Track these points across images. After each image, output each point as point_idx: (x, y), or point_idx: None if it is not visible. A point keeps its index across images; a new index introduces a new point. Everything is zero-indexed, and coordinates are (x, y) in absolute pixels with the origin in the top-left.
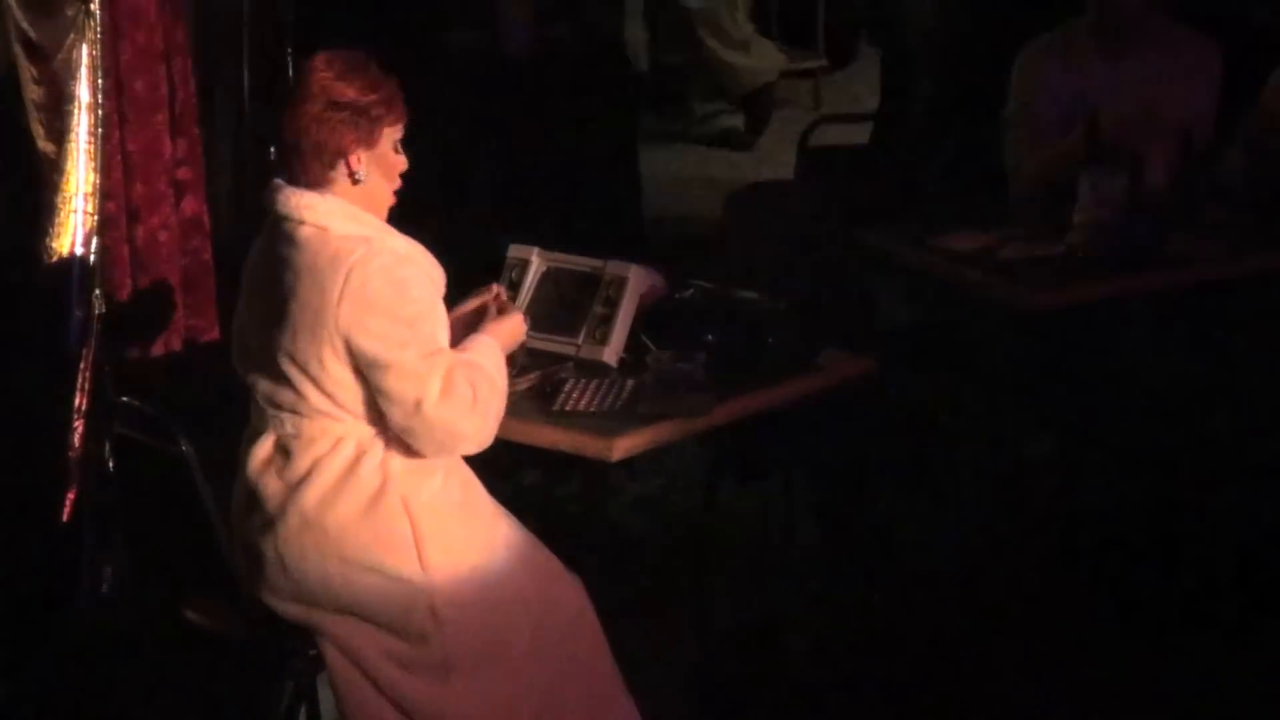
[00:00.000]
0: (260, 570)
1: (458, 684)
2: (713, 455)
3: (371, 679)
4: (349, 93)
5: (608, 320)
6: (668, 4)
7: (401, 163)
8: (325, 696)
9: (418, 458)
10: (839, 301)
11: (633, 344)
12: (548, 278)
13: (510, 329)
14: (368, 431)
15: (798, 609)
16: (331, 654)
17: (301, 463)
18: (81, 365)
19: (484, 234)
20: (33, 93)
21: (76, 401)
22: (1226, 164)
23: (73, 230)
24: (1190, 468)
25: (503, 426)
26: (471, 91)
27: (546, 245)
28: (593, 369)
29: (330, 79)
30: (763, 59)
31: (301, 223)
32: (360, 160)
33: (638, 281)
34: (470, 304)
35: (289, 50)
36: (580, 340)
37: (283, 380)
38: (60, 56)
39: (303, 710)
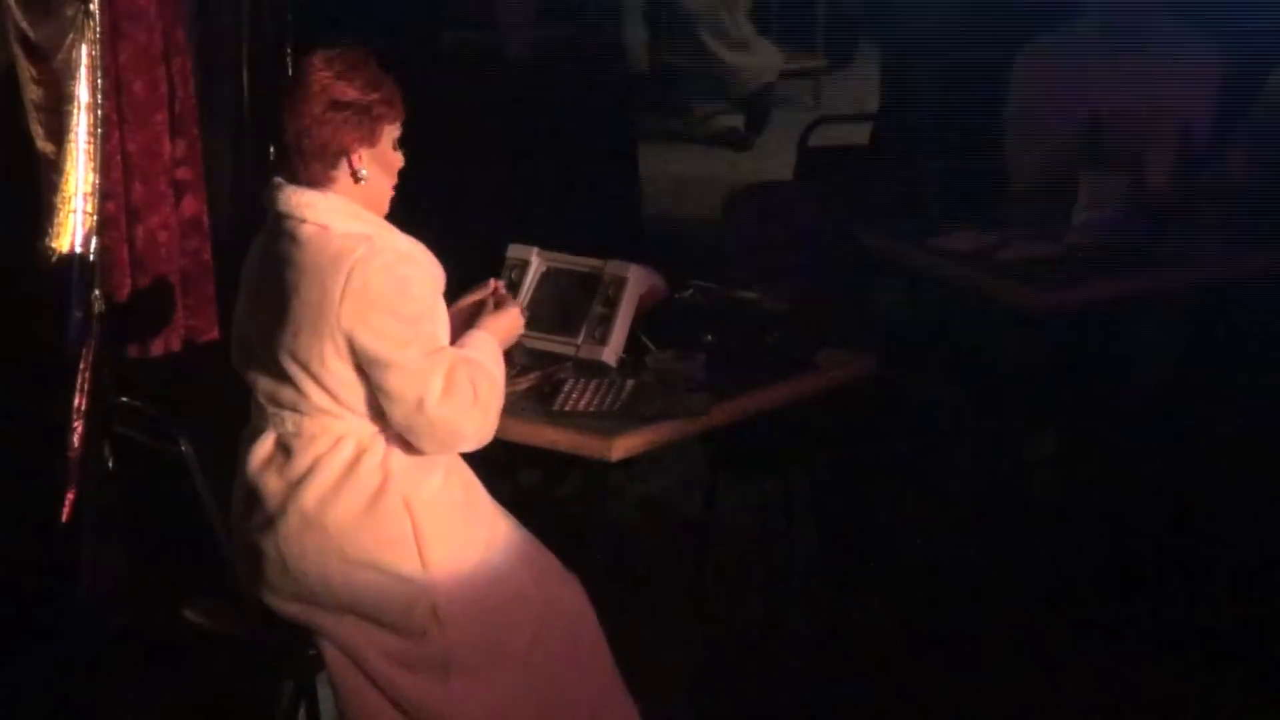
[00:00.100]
0: (260, 569)
1: (457, 683)
2: (712, 455)
3: (371, 678)
4: (350, 92)
5: (607, 320)
6: (667, 4)
7: (400, 160)
8: (325, 696)
9: (418, 456)
10: (839, 301)
11: (632, 344)
12: (547, 278)
13: (507, 324)
14: (368, 430)
15: (797, 609)
16: (331, 653)
17: (302, 461)
18: (81, 365)
19: (484, 234)
20: (32, 93)
21: (76, 401)
22: (1226, 164)
23: (72, 230)
24: (1190, 468)
25: (502, 426)
26: (471, 92)
27: (546, 245)
28: (592, 369)
29: (331, 78)
30: (762, 59)
31: (303, 221)
32: (362, 159)
33: (637, 281)
34: (468, 299)
35: (289, 50)
36: (580, 340)
37: (284, 378)
38: (60, 57)
39: (302, 710)
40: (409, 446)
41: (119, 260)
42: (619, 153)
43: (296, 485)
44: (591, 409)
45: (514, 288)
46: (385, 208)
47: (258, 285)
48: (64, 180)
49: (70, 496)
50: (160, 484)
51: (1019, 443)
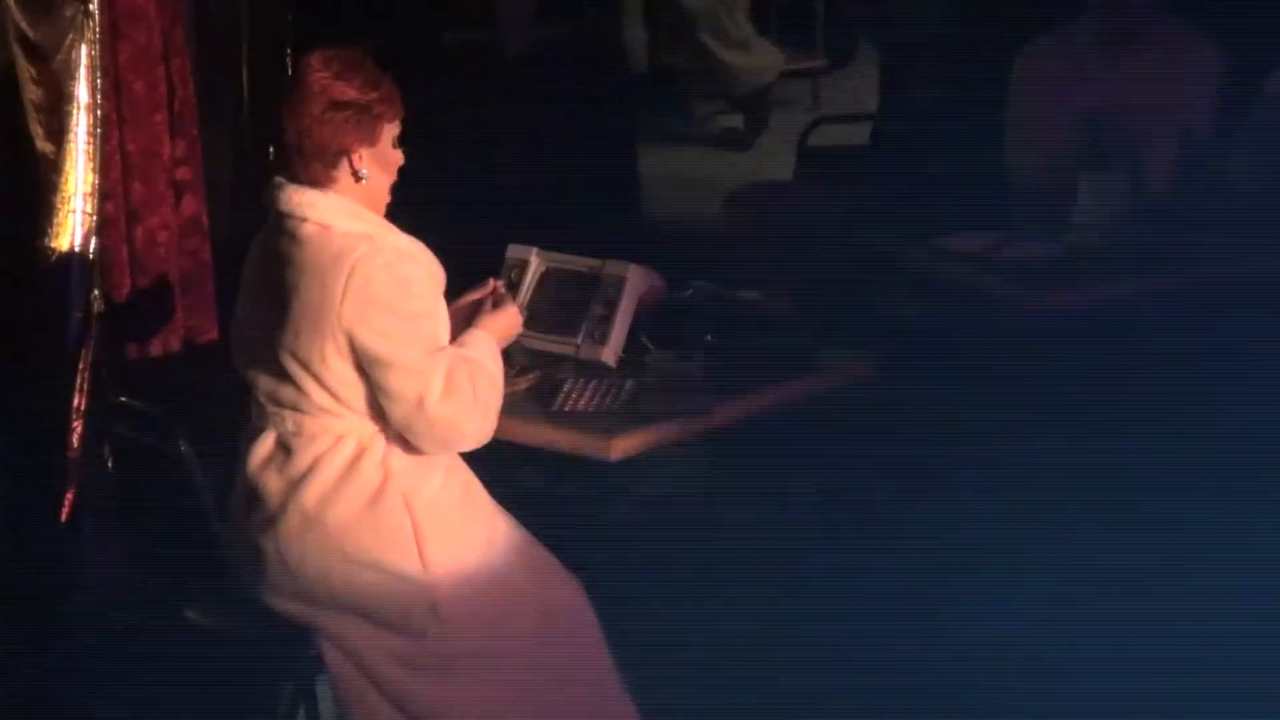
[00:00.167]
0: (260, 568)
1: (457, 683)
2: (712, 455)
3: (371, 678)
4: (349, 92)
5: (607, 320)
6: (667, 4)
7: (400, 157)
8: (325, 696)
9: (419, 455)
10: (839, 301)
11: (632, 344)
12: (546, 278)
13: (505, 323)
14: (369, 429)
15: (796, 609)
16: (331, 653)
17: (302, 460)
18: (80, 365)
19: (484, 234)
20: (32, 93)
21: (75, 401)
22: (1225, 165)
23: (71, 230)
24: (1190, 468)
25: (502, 426)
26: (470, 91)
27: (545, 245)
28: (592, 369)
29: (329, 79)
30: (762, 59)
31: (304, 220)
32: (362, 158)
33: (636, 281)
34: (467, 298)
35: (288, 50)
36: (579, 340)
37: (284, 377)
38: (59, 57)
39: (302, 710)
40: (409, 446)
41: (118, 260)
42: (618, 153)
43: (297, 484)
44: (591, 409)
45: (513, 288)
46: (384, 205)
47: (258, 284)
48: (63, 180)
49: (70, 496)
50: (160, 484)
51: (1019, 442)
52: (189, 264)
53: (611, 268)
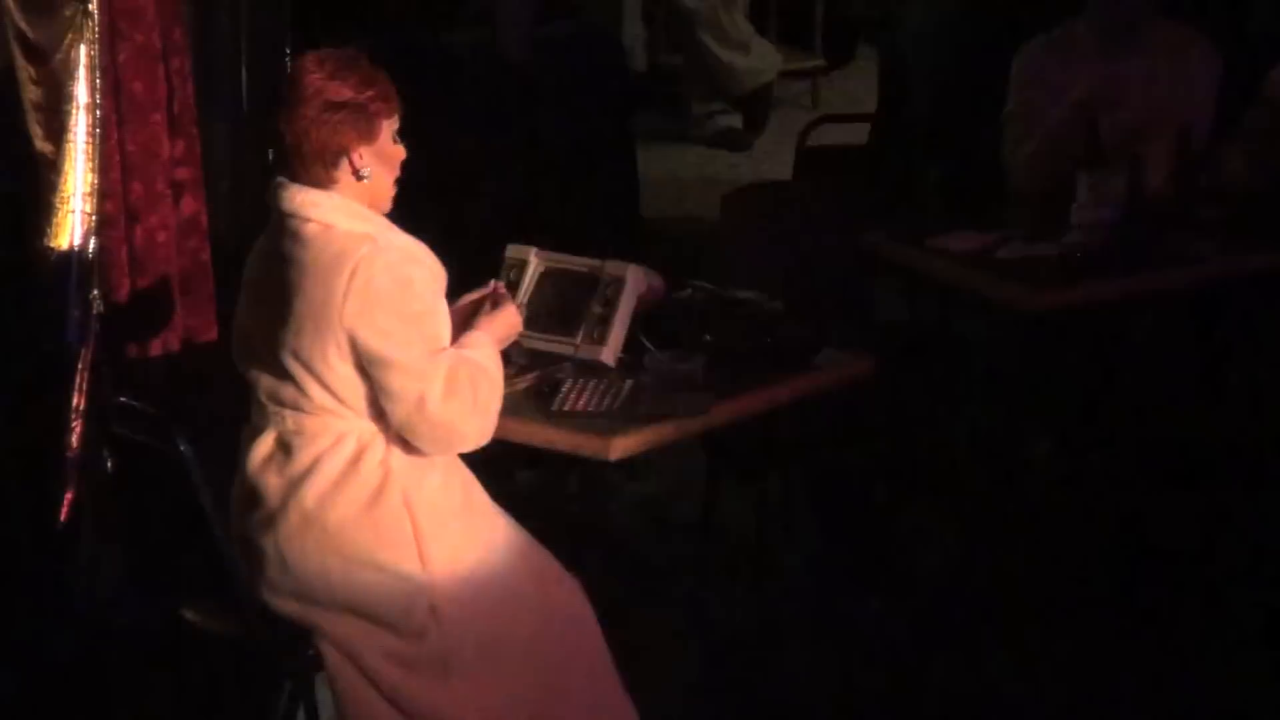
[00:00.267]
0: (260, 568)
1: (456, 683)
2: (711, 456)
3: (370, 678)
4: (345, 92)
5: (606, 320)
6: (666, 4)
7: (401, 152)
8: (324, 695)
9: (419, 455)
10: (838, 301)
11: (631, 344)
12: (546, 278)
13: (504, 324)
14: (369, 428)
15: (795, 609)
16: (330, 653)
17: (302, 459)
18: (79, 365)
19: (483, 234)
20: (31, 93)
21: (74, 402)
22: (1225, 164)
23: (71, 230)
24: (1191, 468)
25: (501, 426)
26: (470, 91)
27: (544, 245)
28: (591, 369)
29: (324, 80)
30: (761, 59)
31: (306, 220)
32: (362, 157)
33: (636, 281)
34: (468, 298)
35: (287, 50)
36: (578, 340)
37: (285, 376)
38: (58, 57)
39: (301, 710)
40: (409, 446)
41: (118, 260)
42: (617, 152)
43: (297, 483)
44: (590, 409)
45: (513, 288)
46: (389, 201)
47: (261, 284)
48: (63, 180)
49: (69, 497)
50: (159, 484)
51: (1019, 443)
52: (188, 264)
53: (611, 268)
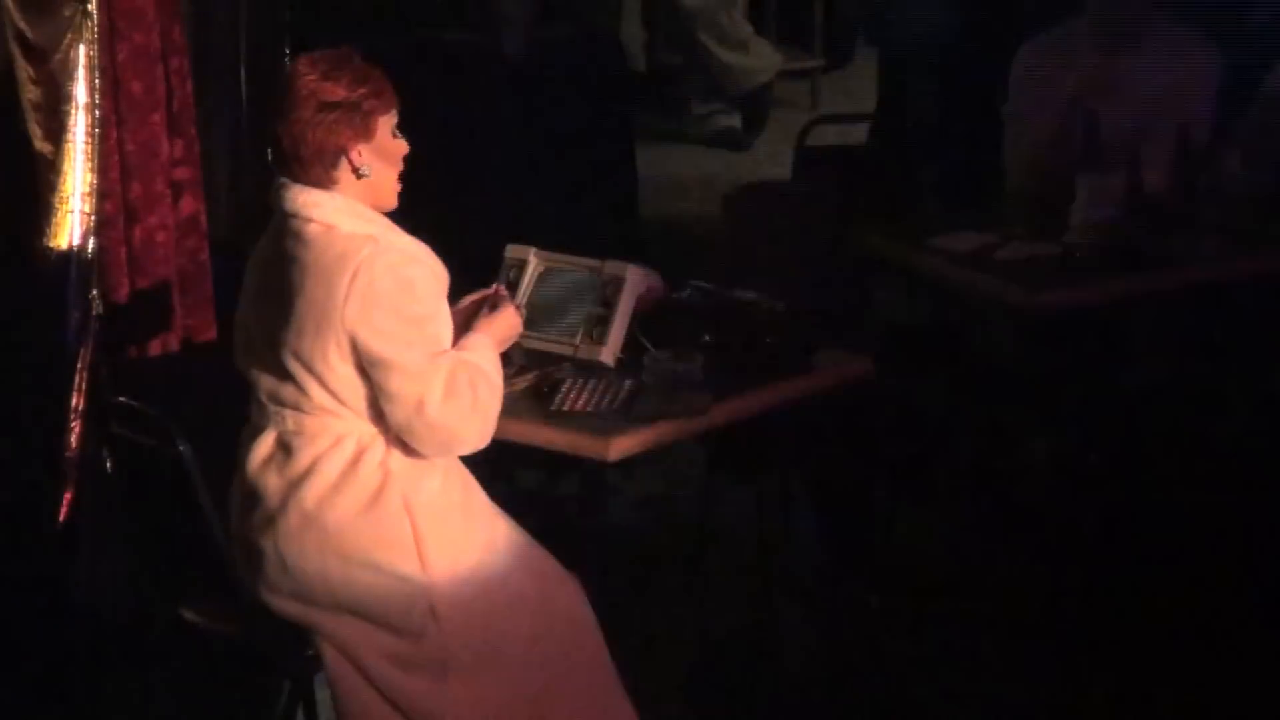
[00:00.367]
0: (259, 568)
1: (455, 683)
2: (710, 455)
3: (369, 678)
4: (338, 91)
5: (605, 320)
6: (665, 4)
7: (402, 146)
8: (323, 695)
9: (418, 457)
10: (837, 301)
11: (630, 344)
12: (545, 278)
13: (504, 326)
14: (369, 429)
15: (795, 609)
16: (329, 653)
17: (302, 460)
18: (79, 365)
19: (482, 234)
20: (30, 93)
21: (73, 402)
22: (1224, 164)
23: (70, 230)
24: (1190, 468)
25: (500, 426)
26: (469, 92)
27: (544, 245)
28: (590, 369)
29: (316, 81)
30: (760, 59)
31: (309, 220)
32: (361, 155)
33: (635, 281)
34: (469, 300)
35: (286, 50)
36: (578, 340)
37: (286, 377)
38: (57, 57)
39: (300, 709)
40: (409, 447)
41: (117, 260)
42: (617, 152)
43: (296, 484)
44: (589, 409)
45: (512, 287)
46: (393, 197)
47: (262, 283)
48: (62, 180)
49: (68, 497)
50: (158, 484)
51: (1018, 443)
52: (187, 264)
53: (610, 268)
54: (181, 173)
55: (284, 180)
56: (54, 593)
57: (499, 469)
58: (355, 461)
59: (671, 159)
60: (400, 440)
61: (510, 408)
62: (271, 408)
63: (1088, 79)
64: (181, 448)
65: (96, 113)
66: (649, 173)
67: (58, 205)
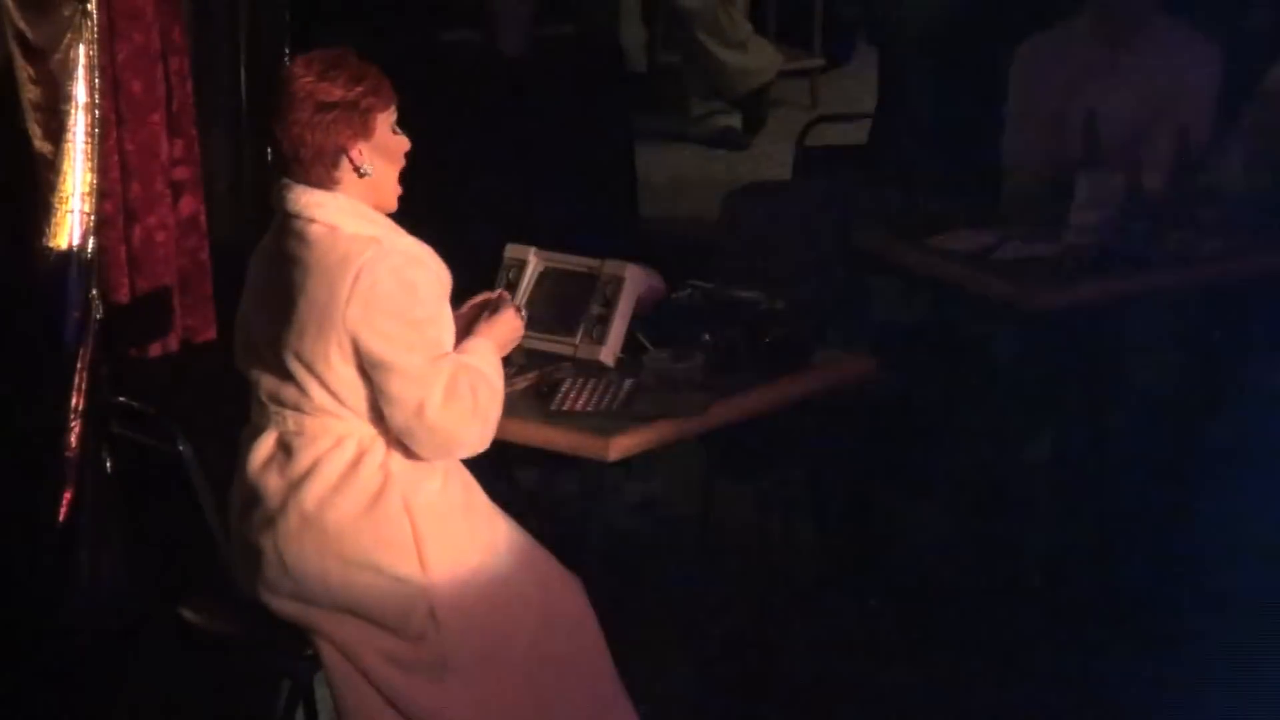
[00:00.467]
0: (259, 568)
1: (455, 685)
2: (711, 455)
3: (368, 679)
4: (335, 91)
5: (605, 320)
6: (665, 3)
7: (403, 143)
8: (323, 696)
9: (419, 459)
10: (837, 301)
11: (630, 344)
12: (545, 277)
13: (506, 330)
14: (370, 431)
15: (795, 610)
16: (329, 653)
17: (303, 460)
18: (78, 366)
19: (482, 234)
20: (29, 93)
21: (73, 402)
22: (1224, 164)
23: (69, 230)
24: (1189, 468)
25: (500, 426)
26: (468, 91)
27: (544, 245)
28: (590, 369)
29: (313, 82)
30: (760, 58)
31: (312, 221)
32: (362, 153)
33: (635, 281)
34: (472, 302)
35: (286, 49)
36: (578, 340)
37: (287, 377)
38: (57, 56)
39: (300, 710)
40: (409, 450)
41: (116, 260)
42: (616, 152)
43: (297, 485)
44: (589, 409)
45: (512, 287)
46: (394, 200)
47: (264, 284)
48: (61, 180)
49: (68, 497)
50: (158, 484)
51: (1018, 443)
52: (187, 264)
53: (610, 267)
54: (181, 173)
55: (286, 181)
56: (54, 593)
57: (499, 469)
58: (356, 463)
59: (672, 159)
60: (401, 443)
61: (510, 408)
62: (272, 408)
63: (1088, 79)
64: (181, 448)
65: (96, 113)
66: (648, 172)
67: (58, 205)
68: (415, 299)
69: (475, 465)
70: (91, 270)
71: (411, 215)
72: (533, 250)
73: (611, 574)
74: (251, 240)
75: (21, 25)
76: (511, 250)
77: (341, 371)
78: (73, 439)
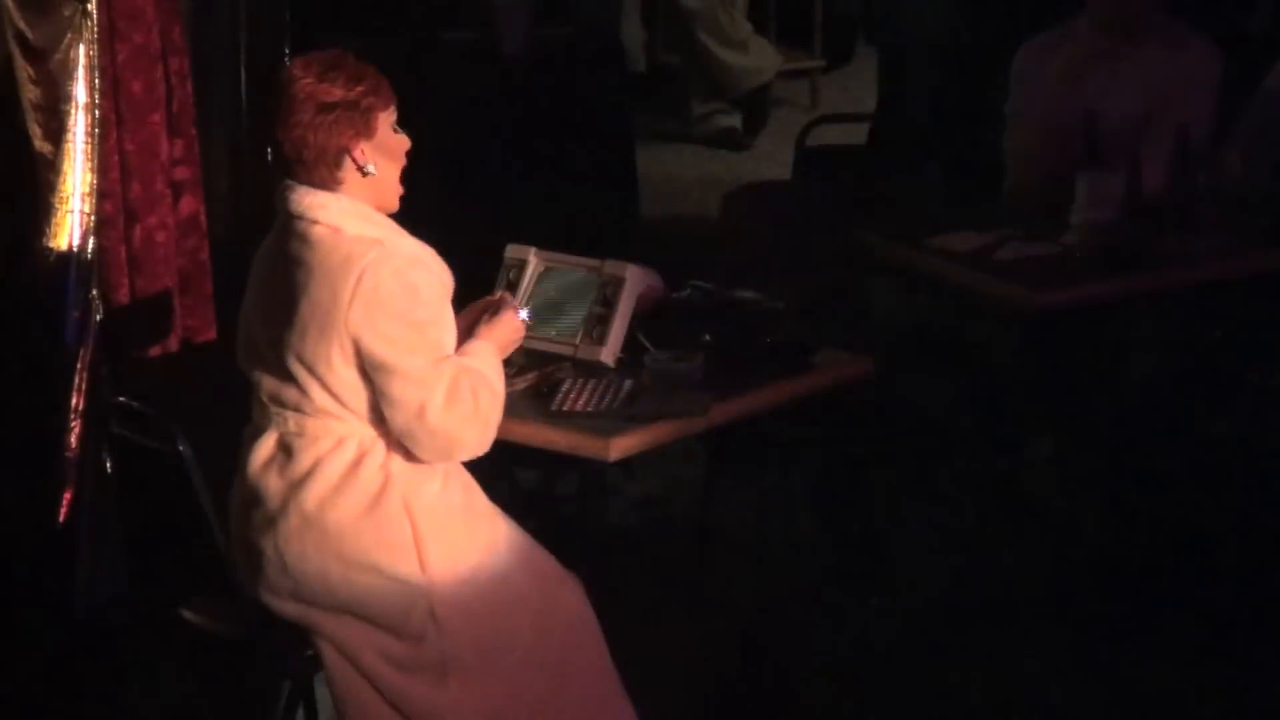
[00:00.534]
0: (259, 569)
1: (455, 685)
2: (711, 456)
3: (369, 679)
4: (335, 91)
5: (605, 320)
6: (665, 3)
7: (404, 141)
8: (323, 696)
9: (419, 460)
10: (837, 301)
11: (630, 344)
12: (545, 278)
13: (507, 332)
14: (370, 432)
15: (795, 609)
16: (329, 654)
17: (303, 461)
18: (78, 366)
19: (482, 234)
20: (30, 93)
21: (73, 402)
22: (1224, 164)
23: (70, 230)
24: (1189, 468)
25: (501, 427)
26: (468, 92)
27: (544, 245)
28: (590, 369)
29: (312, 83)
30: (760, 59)
31: (315, 222)
32: (365, 153)
33: (635, 281)
34: (473, 305)
35: (286, 49)
36: (578, 340)
37: (288, 378)
38: (57, 56)
39: (300, 710)
40: (410, 451)
41: (116, 260)
42: (617, 153)
43: (297, 485)
44: (589, 409)
45: (512, 287)
46: (395, 200)
47: (266, 285)
48: (61, 180)
49: (68, 497)
50: (158, 484)
51: (1018, 443)
52: (187, 264)
53: (610, 268)
54: (181, 173)
55: (289, 181)
56: (54, 593)
57: (499, 469)
58: (356, 464)
59: (671, 159)
60: (401, 444)
61: (510, 408)
62: (273, 409)
63: (1087, 78)
64: (181, 448)
65: (96, 113)
66: (649, 173)
67: (58, 205)
68: (417, 301)
69: (475, 466)
70: (91, 270)
71: (412, 216)
72: (533, 250)
73: (611, 574)
74: (252, 240)
75: (21, 25)
76: (511, 250)
77: (343, 373)
78: (73, 439)
